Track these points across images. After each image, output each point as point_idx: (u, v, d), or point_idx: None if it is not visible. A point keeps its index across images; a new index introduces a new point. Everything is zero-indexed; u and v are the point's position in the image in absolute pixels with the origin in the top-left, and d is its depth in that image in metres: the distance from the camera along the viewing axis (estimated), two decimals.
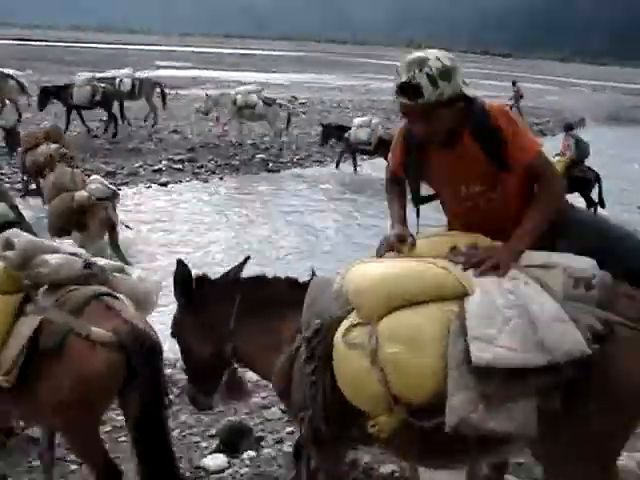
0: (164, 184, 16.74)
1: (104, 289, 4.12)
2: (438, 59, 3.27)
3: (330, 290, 3.41)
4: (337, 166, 19.49)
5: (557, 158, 16.63)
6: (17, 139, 15.33)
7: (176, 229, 13.38)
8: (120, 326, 3.81)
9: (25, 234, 4.31)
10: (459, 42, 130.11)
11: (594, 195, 15.83)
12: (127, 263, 10.89)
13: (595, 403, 2.91)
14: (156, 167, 17.82)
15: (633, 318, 2.97)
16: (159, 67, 49.90)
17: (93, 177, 12.16)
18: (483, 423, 2.88)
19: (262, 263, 11.38)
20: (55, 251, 4.23)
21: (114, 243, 11.50)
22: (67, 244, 4.69)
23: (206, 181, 17.36)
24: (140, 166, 17.83)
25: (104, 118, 21.40)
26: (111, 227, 11.20)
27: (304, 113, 28.06)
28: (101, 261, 4.48)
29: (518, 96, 32.93)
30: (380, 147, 18.96)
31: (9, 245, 4.12)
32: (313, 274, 3.72)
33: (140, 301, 4.35)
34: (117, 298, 4.09)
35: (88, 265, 4.25)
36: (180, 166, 18.11)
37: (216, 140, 21.13)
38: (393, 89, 3.28)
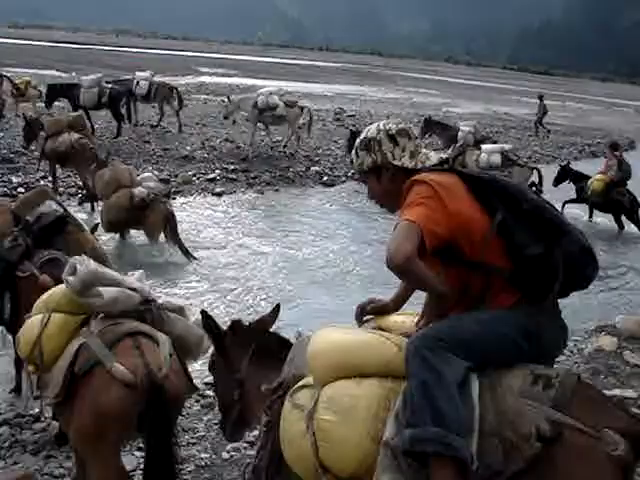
0: (219, 194, 16.36)
1: (144, 328, 4.23)
2: (369, 130, 3.50)
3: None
4: None
5: (598, 176, 16.60)
6: (36, 130, 15.31)
7: (229, 240, 13.04)
8: (139, 368, 3.91)
9: (92, 263, 4.50)
10: (497, 57, 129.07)
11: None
12: (190, 257, 11.22)
13: None
14: (210, 176, 17.44)
15: (589, 424, 2.73)
16: (202, 73, 49.74)
17: (145, 174, 12.43)
18: None
19: (327, 285, 10.97)
20: (116, 284, 4.43)
21: (175, 238, 11.56)
22: (133, 278, 4.76)
23: (261, 192, 16.92)
24: (194, 174, 17.47)
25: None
26: (171, 222, 11.39)
27: (353, 126, 27.45)
28: (161, 299, 4.67)
29: (543, 111, 32.57)
30: None
31: (73, 270, 4.38)
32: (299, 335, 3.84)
33: (191, 344, 4.57)
34: (153, 339, 4.17)
35: (146, 301, 4.46)
36: (234, 176, 17.72)
37: (269, 150, 20.65)
38: None
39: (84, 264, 4.44)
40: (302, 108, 20.96)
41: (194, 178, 17.25)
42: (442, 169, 3.34)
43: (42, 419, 6.68)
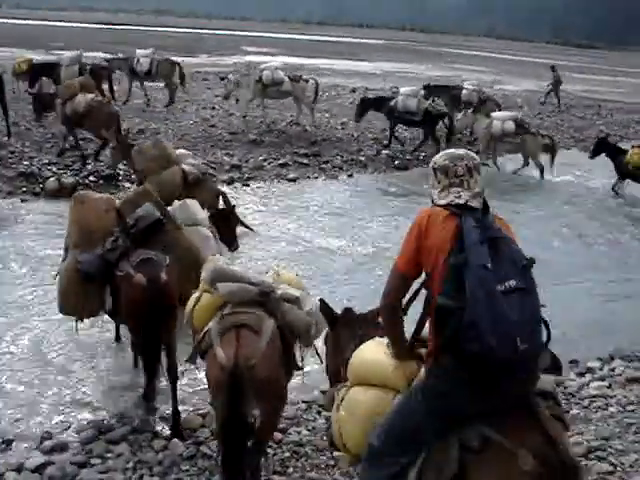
0: (292, 180, 15.93)
1: (250, 321, 4.98)
2: None
3: None
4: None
5: (636, 150, 16.47)
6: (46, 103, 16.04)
7: (309, 227, 12.80)
8: (230, 357, 4.72)
9: (222, 263, 5.63)
10: (537, 31, 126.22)
11: None
12: (252, 230, 11.07)
13: None
14: (281, 161, 17.01)
15: (515, 440, 3.22)
16: (248, 53, 49.21)
17: (181, 151, 12.19)
18: None
19: None
20: (238, 279, 5.28)
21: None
22: (256, 274, 5.55)
23: (335, 177, 16.44)
24: (264, 159, 17.04)
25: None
26: (224, 199, 11.14)
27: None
28: (280, 291, 5.33)
29: (557, 82, 31.63)
30: (426, 119, 18.97)
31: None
32: None
33: (301, 330, 5.30)
34: (255, 330, 4.93)
35: (265, 294, 5.23)
36: (306, 161, 17.25)
37: (338, 133, 20.11)
38: None
39: (213, 263, 5.57)
40: (307, 81, 20.53)
41: (265, 163, 16.83)
42: (451, 208, 3.57)
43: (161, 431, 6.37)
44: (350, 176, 16.85)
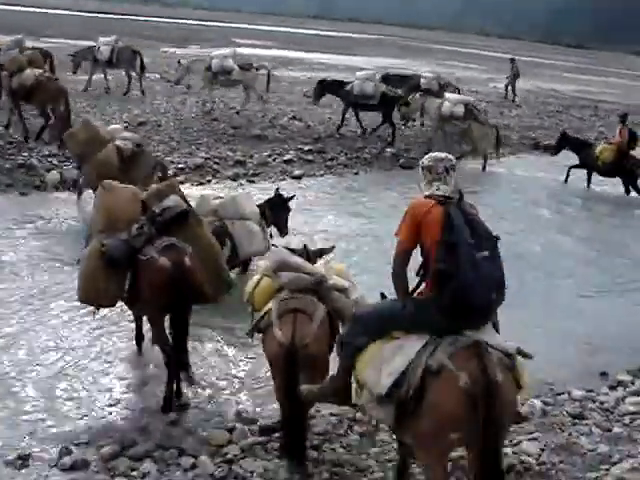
0: (298, 177, 15.61)
1: (305, 306, 5.72)
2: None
3: None
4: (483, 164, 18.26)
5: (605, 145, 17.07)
6: None
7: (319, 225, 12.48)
8: (287, 335, 5.49)
9: (283, 253, 6.18)
10: (527, 30, 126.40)
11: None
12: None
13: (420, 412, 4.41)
14: (286, 157, 16.67)
15: (460, 367, 4.31)
16: (239, 45, 48.71)
17: (114, 126, 12.61)
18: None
19: None
20: (297, 268, 5.96)
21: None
22: (318, 266, 6.21)
23: (340, 175, 16.13)
24: (269, 155, 16.70)
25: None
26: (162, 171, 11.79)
27: None
28: (331, 281, 6.02)
29: (515, 74, 31.79)
30: (383, 102, 19.00)
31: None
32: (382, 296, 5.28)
33: (347, 318, 5.69)
34: (309, 314, 5.68)
35: (318, 283, 5.91)
36: (310, 157, 16.95)
37: (342, 130, 19.79)
38: None
39: (275, 253, 6.29)
40: (257, 69, 20.55)
41: (270, 159, 16.49)
42: (436, 198, 4.68)
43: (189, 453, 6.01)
44: (356, 174, 16.52)
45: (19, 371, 7.17)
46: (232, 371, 7.52)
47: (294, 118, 20.45)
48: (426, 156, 4.97)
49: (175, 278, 6.47)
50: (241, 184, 14.93)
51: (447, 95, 19.03)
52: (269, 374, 6.18)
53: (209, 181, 14.80)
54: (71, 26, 48.28)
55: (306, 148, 17.50)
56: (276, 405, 6.05)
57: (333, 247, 6.87)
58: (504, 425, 4.48)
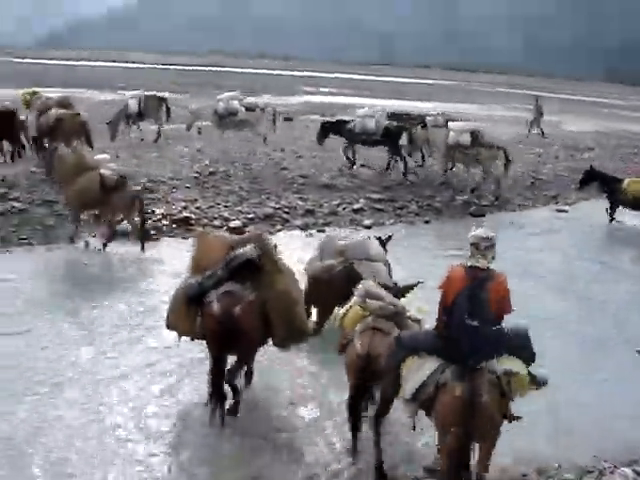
0: (368, 226, 15.43)
1: (384, 326, 6.94)
2: None
3: None
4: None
5: (635, 178, 17.14)
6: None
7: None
8: (364, 349, 6.71)
9: (372, 285, 7.43)
10: (594, 70, 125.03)
11: None
12: (143, 248, 12.91)
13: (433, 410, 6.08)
14: (356, 206, 16.55)
15: (458, 382, 5.88)
16: (306, 92, 49.28)
17: (101, 156, 13.50)
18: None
19: None
20: (382, 299, 7.17)
21: (142, 219, 13.05)
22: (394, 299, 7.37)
23: (411, 223, 15.91)
24: (338, 204, 16.62)
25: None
26: (138, 204, 12.91)
27: None
28: (409, 313, 7.26)
29: (540, 112, 31.68)
30: (386, 137, 19.22)
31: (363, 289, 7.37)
32: None
33: None
34: (385, 334, 6.85)
35: (398, 313, 7.11)
36: (380, 206, 16.76)
37: (410, 177, 19.58)
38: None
39: (365, 286, 7.39)
40: (263, 109, 20.99)
41: (339, 208, 16.41)
42: (470, 270, 6.10)
43: None
44: (427, 222, 16.29)
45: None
46: None
47: (363, 166, 20.34)
48: (474, 233, 6.19)
49: (222, 324, 7.11)
50: (310, 234, 14.88)
51: (451, 125, 19.13)
52: None
53: (279, 230, 14.76)
54: (142, 78, 49.57)
55: (376, 197, 17.36)
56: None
57: (418, 283, 8.05)
58: (485, 425, 5.84)
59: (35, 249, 13.08)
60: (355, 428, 6.97)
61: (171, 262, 12.29)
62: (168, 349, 8.81)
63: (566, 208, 18.04)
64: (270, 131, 21.22)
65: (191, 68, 69.82)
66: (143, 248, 12.98)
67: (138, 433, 7.16)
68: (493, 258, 6.15)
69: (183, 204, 15.72)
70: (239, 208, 15.77)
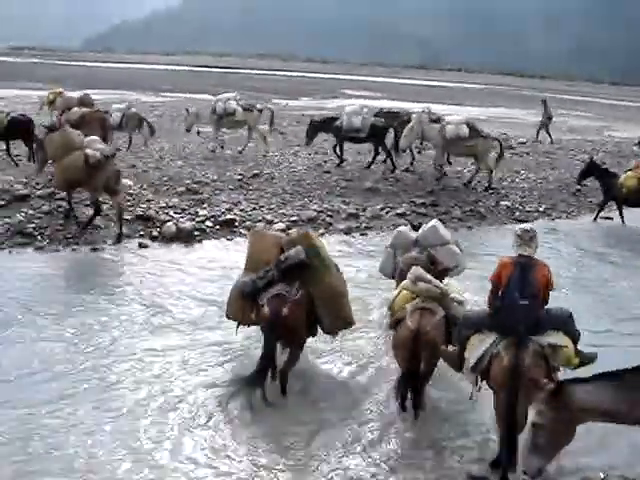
0: None
1: (431, 306, 7.85)
2: None
3: None
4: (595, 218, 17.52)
5: (630, 173, 16.95)
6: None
7: None
8: (414, 325, 7.56)
9: (420, 270, 8.16)
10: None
11: None
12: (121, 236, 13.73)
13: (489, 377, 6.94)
14: (399, 210, 16.47)
15: (507, 353, 6.76)
16: (348, 96, 49.26)
17: (91, 137, 14.04)
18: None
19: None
20: (429, 282, 8.02)
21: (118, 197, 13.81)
22: (439, 284, 8.16)
23: (455, 230, 15.77)
24: (382, 208, 16.57)
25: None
26: (116, 180, 13.65)
27: (527, 154, 25.87)
28: (452, 294, 8.09)
29: (549, 116, 30.56)
30: (372, 134, 19.59)
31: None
32: None
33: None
34: (433, 313, 7.80)
35: (443, 294, 7.98)
36: (424, 210, 16.64)
37: (454, 182, 19.48)
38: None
39: (417, 270, 8.16)
40: (261, 110, 21.42)
41: (382, 212, 16.36)
42: (517, 258, 6.94)
43: None
44: (470, 228, 16.16)
45: None
46: None
47: (407, 170, 20.26)
48: (518, 227, 7.14)
49: (273, 323, 7.91)
50: (354, 237, 14.87)
51: (447, 118, 19.12)
52: None
53: (322, 234, 14.73)
54: (186, 80, 50.03)
55: (419, 201, 17.23)
56: None
57: (456, 266, 9.40)
58: (529, 388, 6.36)
59: (80, 248, 13.28)
60: (404, 397, 7.76)
61: (217, 263, 12.52)
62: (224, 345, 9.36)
63: (611, 216, 17.74)
64: (265, 133, 21.74)
65: (234, 71, 70.28)
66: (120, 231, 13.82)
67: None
68: (536, 247, 6.99)
69: (227, 206, 15.80)
70: (282, 211, 15.82)
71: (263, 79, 60.55)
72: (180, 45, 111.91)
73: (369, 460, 7.05)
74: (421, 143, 21.24)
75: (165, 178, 17.53)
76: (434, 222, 9.96)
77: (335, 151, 20.71)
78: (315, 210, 15.99)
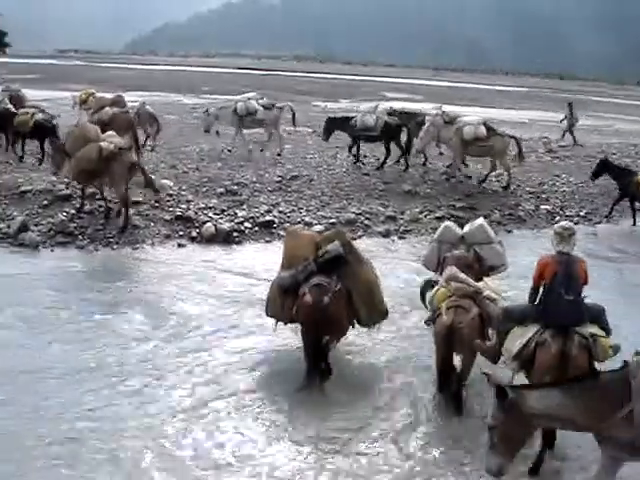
0: None
1: (464, 305, 8.10)
2: None
3: None
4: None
5: None
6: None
7: None
8: (448, 319, 7.93)
9: (455, 270, 8.62)
10: None
11: None
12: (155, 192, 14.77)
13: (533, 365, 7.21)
14: (438, 214, 16.38)
15: (554, 341, 7.10)
16: (389, 99, 49.11)
17: (108, 132, 14.60)
18: None
19: None
20: (463, 281, 8.41)
21: (148, 181, 14.36)
22: (472, 282, 8.57)
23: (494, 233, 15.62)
24: (420, 212, 16.49)
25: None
26: (135, 171, 14.03)
27: (568, 157, 25.52)
28: (486, 292, 8.43)
29: (575, 118, 30.06)
30: (385, 133, 19.69)
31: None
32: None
33: (492, 320, 8.06)
34: (467, 310, 8.05)
35: (476, 292, 8.35)
36: (462, 214, 16.46)
37: (493, 186, 19.30)
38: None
39: (451, 270, 8.62)
40: (281, 109, 21.50)
41: (421, 215, 16.29)
42: (558, 255, 7.26)
43: None
44: (509, 232, 16.02)
45: None
46: None
47: (445, 173, 20.15)
48: (557, 225, 7.51)
49: (314, 312, 8.24)
50: (392, 240, 14.83)
51: (462, 119, 18.95)
52: None
53: (360, 237, 14.74)
54: (225, 82, 50.32)
55: (458, 205, 17.12)
56: None
57: (502, 265, 9.70)
58: (574, 374, 6.61)
59: (120, 248, 13.45)
60: (442, 387, 8.26)
61: (255, 264, 12.70)
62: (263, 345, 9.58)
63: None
64: (279, 133, 21.80)
65: (275, 73, 70.55)
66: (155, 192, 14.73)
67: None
68: (574, 244, 7.29)
69: (265, 208, 15.87)
70: (321, 213, 15.84)
71: (302, 81, 60.66)
72: (220, 47, 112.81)
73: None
74: (437, 145, 21.19)
75: (205, 179, 17.64)
76: (481, 220, 10.23)
77: (350, 150, 20.88)
78: (354, 212, 15.98)
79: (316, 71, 77.88)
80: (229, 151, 21.48)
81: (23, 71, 50.76)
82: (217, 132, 22.59)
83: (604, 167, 18.01)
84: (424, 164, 20.82)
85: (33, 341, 9.26)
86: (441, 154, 21.90)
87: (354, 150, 20.78)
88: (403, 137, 20.26)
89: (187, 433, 7.32)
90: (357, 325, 9.12)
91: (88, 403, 7.77)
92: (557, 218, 17.12)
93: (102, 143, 13.80)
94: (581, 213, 17.89)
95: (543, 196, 18.88)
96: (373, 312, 9.04)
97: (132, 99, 23.74)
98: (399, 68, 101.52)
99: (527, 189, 19.32)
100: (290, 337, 9.27)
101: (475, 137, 18.22)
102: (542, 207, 17.85)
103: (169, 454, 6.97)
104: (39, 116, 18.73)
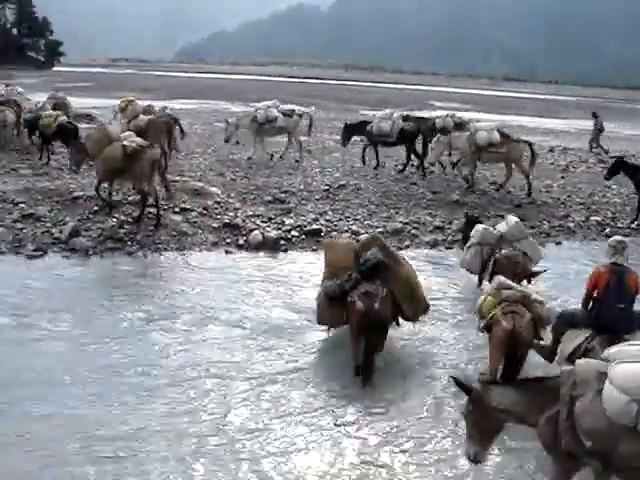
0: None
1: (516, 310, 8.45)
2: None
3: None
4: None
5: None
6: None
7: None
8: (508, 325, 8.24)
9: (503, 278, 9.07)
10: None
11: None
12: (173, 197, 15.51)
13: None
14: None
15: (600, 347, 7.50)
16: (436, 108, 48.92)
17: (127, 133, 15.45)
18: None
19: None
20: (511, 288, 8.81)
21: (164, 180, 14.81)
22: (519, 288, 9.09)
23: (542, 245, 15.42)
24: None
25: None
26: (159, 166, 14.64)
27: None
28: (533, 296, 8.83)
29: (600, 128, 29.89)
30: (401, 139, 19.90)
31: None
32: None
33: (543, 321, 8.62)
34: (521, 315, 8.40)
35: (525, 297, 8.72)
36: None
37: (542, 197, 19.05)
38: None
39: (498, 280, 9.02)
40: (301, 116, 21.57)
41: None
42: (612, 266, 7.75)
43: None
44: (558, 244, 15.79)
45: None
46: None
47: (494, 183, 19.95)
48: (611, 239, 7.95)
49: (367, 317, 8.71)
50: (440, 250, 14.74)
51: (475, 125, 18.96)
52: None
53: (407, 246, 14.66)
54: (273, 90, 50.60)
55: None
56: None
57: (544, 270, 10.49)
58: None
59: (168, 254, 13.59)
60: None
61: (302, 273, 12.74)
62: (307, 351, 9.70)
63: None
64: (299, 138, 21.99)
65: (323, 82, 70.78)
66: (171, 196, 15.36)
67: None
68: (627, 257, 7.74)
69: (313, 216, 15.89)
70: (368, 222, 15.80)
71: (350, 90, 60.74)
72: (269, 55, 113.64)
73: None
74: (449, 154, 21.11)
75: (252, 187, 17.76)
76: (513, 217, 10.77)
77: (363, 155, 21.19)
78: (401, 222, 15.90)
79: (364, 79, 77.95)
80: (281, 158, 21.65)
81: (76, 79, 51.86)
82: (237, 141, 22.65)
83: (620, 166, 17.95)
84: (444, 172, 20.87)
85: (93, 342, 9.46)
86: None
87: (367, 154, 21.11)
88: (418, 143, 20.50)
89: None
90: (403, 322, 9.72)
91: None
92: (607, 230, 16.86)
93: (125, 142, 14.48)
94: (633, 225, 17.53)
95: (593, 207, 18.58)
96: (418, 306, 9.61)
97: (178, 107, 24.18)
98: (446, 77, 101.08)
99: (577, 200, 19.06)
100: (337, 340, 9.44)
101: (489, 143, 18.20)
102: (592, 219, 17.53)
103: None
104: (62, 119, 19.63)
